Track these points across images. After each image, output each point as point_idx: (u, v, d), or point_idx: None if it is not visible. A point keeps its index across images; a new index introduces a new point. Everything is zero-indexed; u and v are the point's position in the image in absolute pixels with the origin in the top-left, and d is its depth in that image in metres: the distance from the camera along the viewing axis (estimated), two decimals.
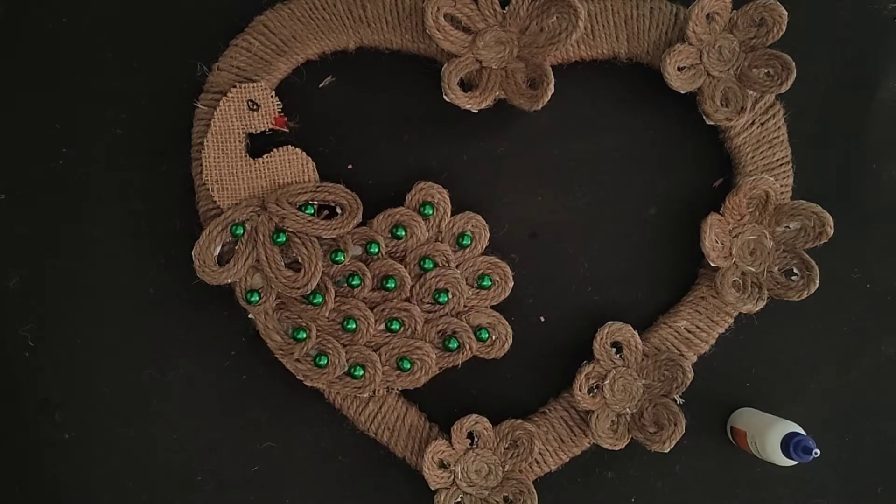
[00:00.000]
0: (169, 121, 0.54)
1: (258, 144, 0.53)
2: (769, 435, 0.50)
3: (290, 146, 0.53)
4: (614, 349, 0.53)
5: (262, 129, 0.53)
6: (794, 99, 0.54)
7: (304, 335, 0.52)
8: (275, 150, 0.53)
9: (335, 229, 0.52)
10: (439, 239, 0.53)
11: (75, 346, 0.55)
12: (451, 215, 0.53)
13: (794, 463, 0.49)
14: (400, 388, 0.54)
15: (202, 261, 0.52)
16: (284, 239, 0.52)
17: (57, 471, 0.55)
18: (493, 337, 0.53)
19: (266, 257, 0.52)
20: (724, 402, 0.56)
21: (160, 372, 0.55)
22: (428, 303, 0.53)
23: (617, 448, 0.53)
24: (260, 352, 0.54)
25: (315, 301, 0.52)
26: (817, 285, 0.51)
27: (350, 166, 0.55)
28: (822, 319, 0.56)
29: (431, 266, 0.52)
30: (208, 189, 0.52)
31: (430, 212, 0.52)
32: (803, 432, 0.50)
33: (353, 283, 0.52)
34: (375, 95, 0.55)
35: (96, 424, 0.55)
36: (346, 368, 0.53)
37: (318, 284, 0.52)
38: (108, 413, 0.55)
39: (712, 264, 0.53)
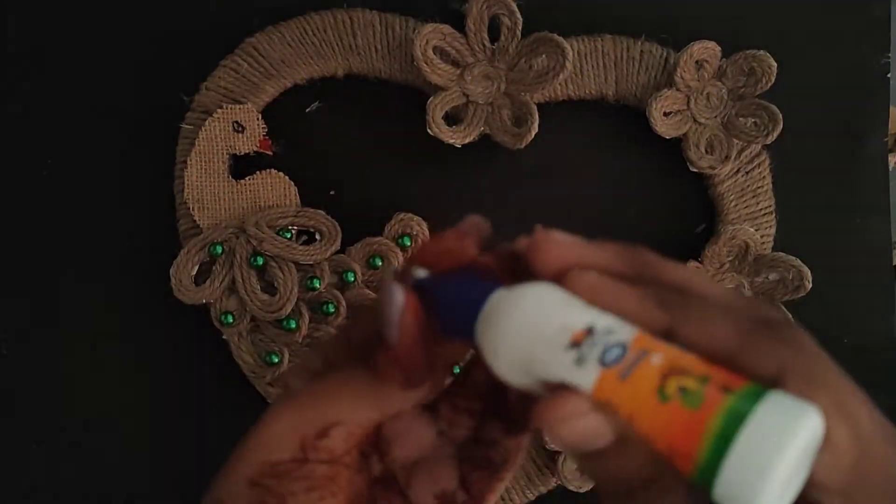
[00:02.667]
0: (154, 137, 0.54)
1: (241, 166, 0.53)
2: None
3: (273, 170, 0.53)
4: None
5: (247, 151, 0.53)
6: (780, 149, 0.53)
7: (277, 359, 0.52)
8: (258, 172, 0.53)
9: (313, 255, 0.52)
10: None
11: (48, 358, 0.55)
12: None
13: None
14: None
15: (179, 279, 0.52)
16: (262, 262, 0.52)
17: (24, 483, 0.55)
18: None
19: (242, 279, 0.52)
20: None
21: (132, 387, 0.55)
22: None
23: (583, 490, 0.53)
24: (233, 373, 0.54)
25: (289, 326, 0.52)
26: None
27: (332, 192, 0.55)
28: None
29: None
30: (189, 208, 0.53)
31: (409, 243, 0.52)
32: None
33: (328, 310, 0.52)
34: (361, 123, 0.55)
35: (64, 437, 0.55)
36: None
37: (292, 309, 0.52)
38: (78, 426, 0.55)
39: None
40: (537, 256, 0.23)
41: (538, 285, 0.23)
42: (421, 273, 0.24)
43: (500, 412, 0.25)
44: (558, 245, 0.23)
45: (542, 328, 0.21)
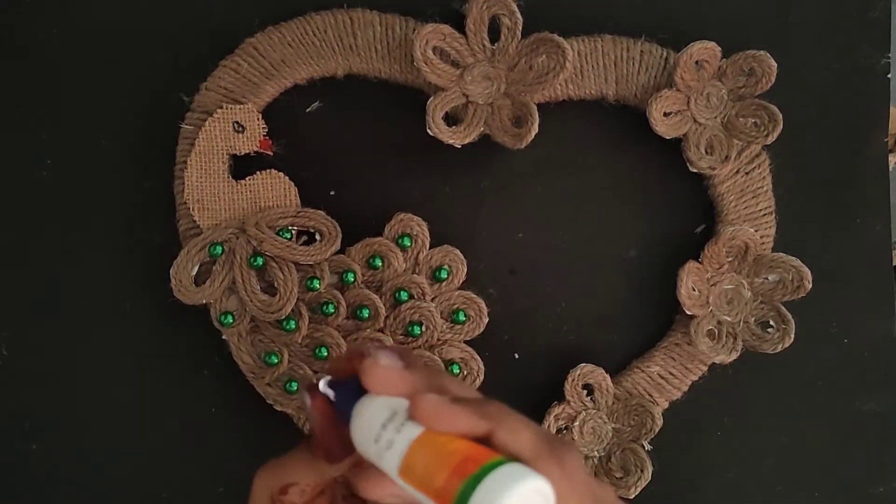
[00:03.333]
0: (154, 137, 0.54)
1: (242, 166, 0.53)
2: None
3: (273, 170, 0.53)
4: (585, 391, 0.53)
5: (247, 152, 0.53)
6: (780, 150, 0.53)
7: (277, 360, 0.52)
8: (258, 172, 0.53)
9: (312, 256, 0.52)
10: (416, 271, 0.53)
11: (49, 357, 0.55)
12: (430, 248, 0.53)
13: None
14: None
15: (179, 279, 0.52)
16: (262, 262, 0.52)
17: (22, 481, 0.55)
18: (465, 372, 0.53)
19: (242, 280, 0.52)
20: (694, 451, 0.56)
21: (132, 387, 0.55)
22: (401, 334, 0.53)
23: None
24: (232, 373, 0.54)
25: (289, 327, 0.52)
26: (792, 339, 0.51)
27: (332, 193, 0.55)
28: (797, 373, 0.56)
29: (406, 298, 0.52)
30: (189, 208, 0.53)
31: (409, 243, 0.52)
32: None
33: (328, 310, 0.52)
34: (361, 123, 0.55)
35: (64, 437, 0.55)
36: None
37: (292, 310, 0.52)
38: (77, 426, 0.55)
39: (688, 312, 0.52)
40: (369, 381, 0.31)
41: (369, 400, 0.31)
42: (324, 379, 0.32)
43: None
44: (384, 372, 0.31)
45: (369, 427, 0.30)
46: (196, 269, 0.52)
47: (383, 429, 0.29)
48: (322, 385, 0.32)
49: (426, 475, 0.27)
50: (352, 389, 0.31)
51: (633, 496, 0.51)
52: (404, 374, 0.31)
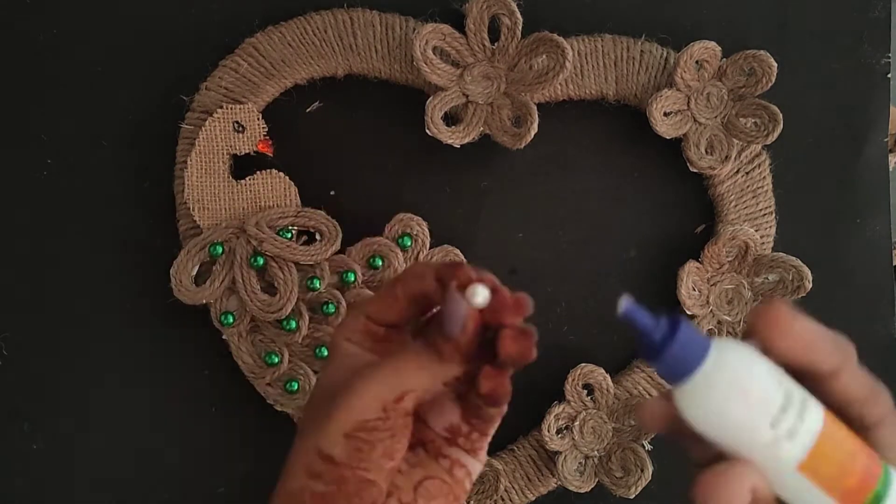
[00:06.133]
0: (154, 137, 0.54)
1: (242, 166, 0.53)
2: None
3: (273, 170, 0.53)
4: (586, 391, 0.53)
5: (247, 151, 0.53)
6: (780, 149, 0.53)
7: (277, 360, 0.52)
8: (258, 172, 0.53)
9: (313, 256, 0.52)
10: None
11: (48, 358, 0.55)
12: (430, 248, 0.53)
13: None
14: None
15: (179, 279, 0.52)
16: (262, 262, 0.52)
17: (23, 480, 0.55)
18: None
19: (242, 280, 0.52)
20: None
21: (133, 387, 0.55)
22: None
23: (582, 491, 0.53)
24: (232, 373, 0.54)
25: (289, 326, 0.52)
26: None
27: (332, 193, 0.55)
28: None
29: None
30: (189, 208, 0.53)
31: (409, 243, 0.52)
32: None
33: (328, 310, 0.52)
34: (361, 123, 0.55)
35: (65, 437, 0.55)
36: None
37: (292, 310, 0.52)
38: (78, 426, 0.55)
39: (688, 312, 0.52)
40: (779, 339, 0.27)
41: (754, 366, 0.26)
42: (482, 292, 0.30)
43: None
44: (797, 327, 0.28)
45: (763, 407, 0.25)
46: (196, 269, 0.52)
47: (783, 412, 0.25)
48: (626, 303, 0.27)
49: (833, 475, 0.25)
50: (662, 326, 0.27)
51: (633, 496, 0.51)
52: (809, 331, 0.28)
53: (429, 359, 0.31)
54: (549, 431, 0.52)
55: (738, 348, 0.26)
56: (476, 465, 0.35)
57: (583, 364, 0.53)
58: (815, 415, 0.25)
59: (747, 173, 0.54)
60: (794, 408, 0.25)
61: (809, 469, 0.25)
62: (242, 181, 0.53)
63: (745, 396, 0.25)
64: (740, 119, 0.52)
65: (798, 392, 0.26)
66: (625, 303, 0.27)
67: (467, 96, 0.52)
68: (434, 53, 0.51)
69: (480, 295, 0.30)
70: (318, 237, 0.53)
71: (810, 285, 0.51)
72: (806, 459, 0.25)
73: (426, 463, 0.34)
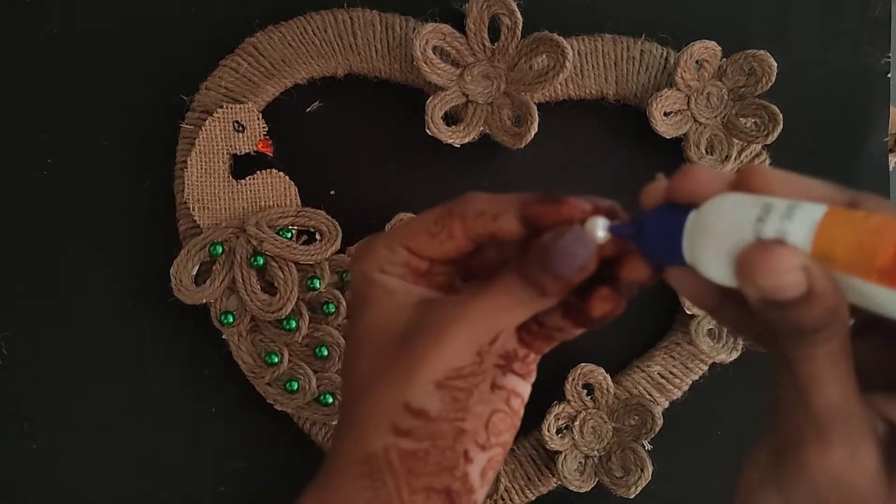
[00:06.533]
0: (154, 137, 0.54)
1: (242, 166, 0.53)
2: None
3: (273, 169, 0.53)
4: (586, 391, 0.53)
5: (247, 151, 0.53)
6: (780, 149, 0.53)
7: (277, 359, 0.52)
8: (258, 172, 0.53)
9: (313, 255, 0.52)
10: None
11: (48, 357, 0.55)
12: None
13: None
14: None
15: (179, 279, 0.52)
16: (262, 262, 0.52)
17: (23, 480, 0.55)
18: None
19: (242, 279, 0.52)
20: (694, 451, 0.56)
21: (132, 387, 0.55)
22: None
23: (582, 490, 0.53)
24: (232, 373, 0.54)
25: (289, 326, 0.52)
26: None
27: (332, 193, 0.55)
28: None
29: None
30: (189, 208, 0.53)
31: None
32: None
33: (328, 310, 0.52)
34: (361, 123, 0.55)
35: (64, 437, 0.55)
36: (317, 395, 0.53)
37: (292, 309, 0.52)
38: (77, 426, 0.55)
39: (688, 311, 0.52)
40: (687, 185, 0.26)
41: (724, 195, 0.25)
42: (603, 224, 0.28)
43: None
44: (707, 175, 0.26)
45: (747, 212, 0.24)
46: (196, 268, 0.52)
47: (761, 223, 0.23)
48: (602, 229, 0.27)
49: (859, 255, 0.23)
50: (661, 217, 0.27)
51: (633, 496, 0.51)
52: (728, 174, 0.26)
53: (528, 295, 0.28)
54: (549, 431, 0.52)
55: (715, 198, 0.25)
56: (528, 389, 0.32)
57: (583, 364, 0.53)
58: (807, 211, 0.23)
59: None
60: (774, 215, 0.24)
61: (822, 258, 0.23)
62: (242, 181, 0.53)
63: (708, 234, 0.25)
64: (740, 119, 0.52)
65: (782, 202, 0.24)
66: (600, 230, 0.28)
67: (467, 96, 0.52)
68: (434, 53, 0.51)
69: (602, 228, 0.28)
70: (318, 237, 0.53)
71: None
72: (811, 253, 0.23)
73: (487, 397, 0.30)
